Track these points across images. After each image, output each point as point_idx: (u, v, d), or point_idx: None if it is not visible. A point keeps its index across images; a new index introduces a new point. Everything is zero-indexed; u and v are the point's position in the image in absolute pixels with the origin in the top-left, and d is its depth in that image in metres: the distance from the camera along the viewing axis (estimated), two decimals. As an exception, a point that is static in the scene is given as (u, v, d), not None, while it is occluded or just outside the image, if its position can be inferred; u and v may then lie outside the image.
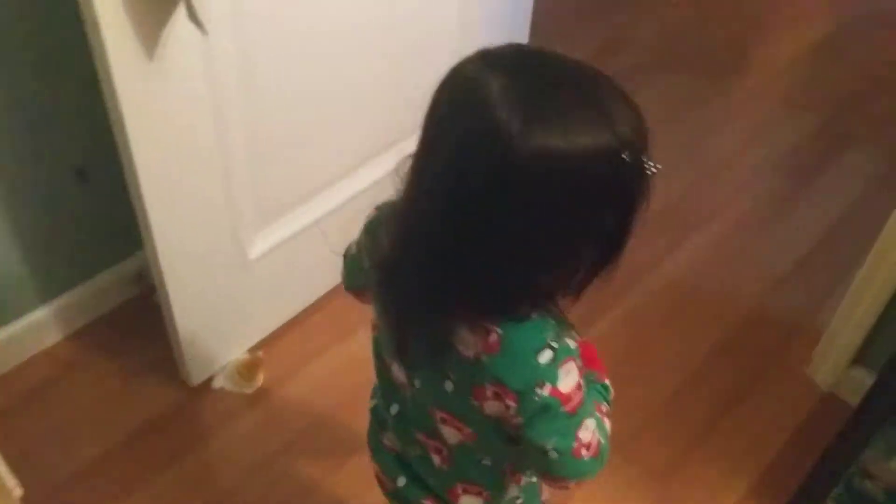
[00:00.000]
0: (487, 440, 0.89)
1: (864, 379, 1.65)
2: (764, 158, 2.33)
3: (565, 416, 0.81)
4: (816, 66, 2.69)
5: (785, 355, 1.83)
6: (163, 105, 1.25)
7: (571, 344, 0.81)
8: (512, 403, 0.80)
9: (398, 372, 0.93)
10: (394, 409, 0.99)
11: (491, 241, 0.71)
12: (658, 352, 1.83)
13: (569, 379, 0.80)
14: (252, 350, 1.71)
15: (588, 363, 0.89)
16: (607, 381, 0.95)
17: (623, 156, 0.69)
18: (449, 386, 0.84)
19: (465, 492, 0.98)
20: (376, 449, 1.07)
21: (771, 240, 2.08)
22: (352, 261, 0.99)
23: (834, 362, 1.70)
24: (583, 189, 0.70)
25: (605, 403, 0.92)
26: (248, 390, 1.67)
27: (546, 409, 0.80)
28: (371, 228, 0.92)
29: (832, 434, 1.38)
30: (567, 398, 0.80)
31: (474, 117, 0.69)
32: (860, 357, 1.66)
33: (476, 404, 0.83)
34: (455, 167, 0.71)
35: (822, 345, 1.73)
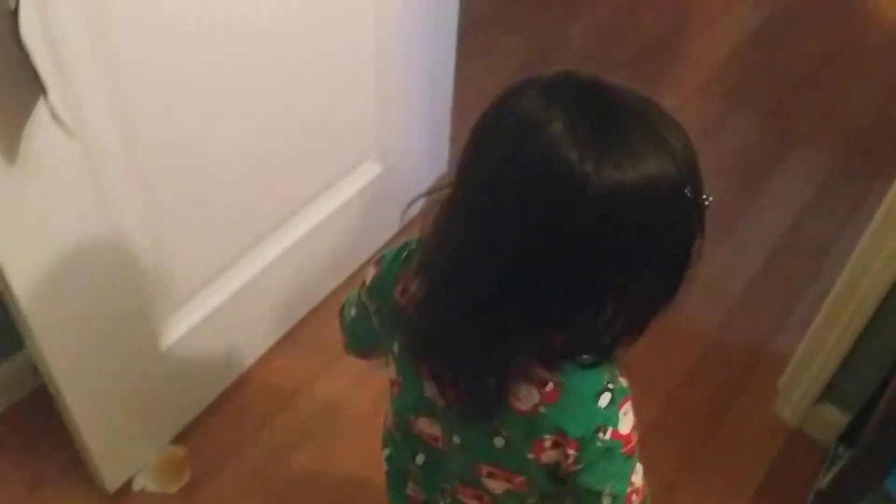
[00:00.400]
0: (539, 485, 0.86)
1: (833, 417, 1.58)
2: (708, 166, 2.22)
3: (623, 459, 0.79)
4: (754, 58, 2.59)
5: (748, 390, 1.74)
6: (37, 206, 1.07)
7: (625, 383, 0.79)
8: (573, 452, 0.77)
9: (428, 427, 0.88)
10: (419, 459, 0.94)
11: (563, 287, 0.67)
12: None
13: (627, 420, 0.78)
14: (174, 442, 1.54)
15: None
16: None
17: (685, 191, 0.67)
18: (499, 442, 0.81)
19: None
20: (398, 496, 1.01)
21: (722, 259, 1.98)
22: (354, 323, 0.94)
23: (800, 398, 1.61)
24: (653, 223, 0.67)
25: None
26: (174, 489, 1.49)
27: (607, 453, 0.78)
28: (377, 288, 0.86)
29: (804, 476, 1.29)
30: (628, 440, 0.79)
31: (542, 159, 0.64)
32: (827, 394, 1.57)
33: (533, 457, 0.80)
34: (522, 213, 0.66)
35: (787, 378, 1.64)
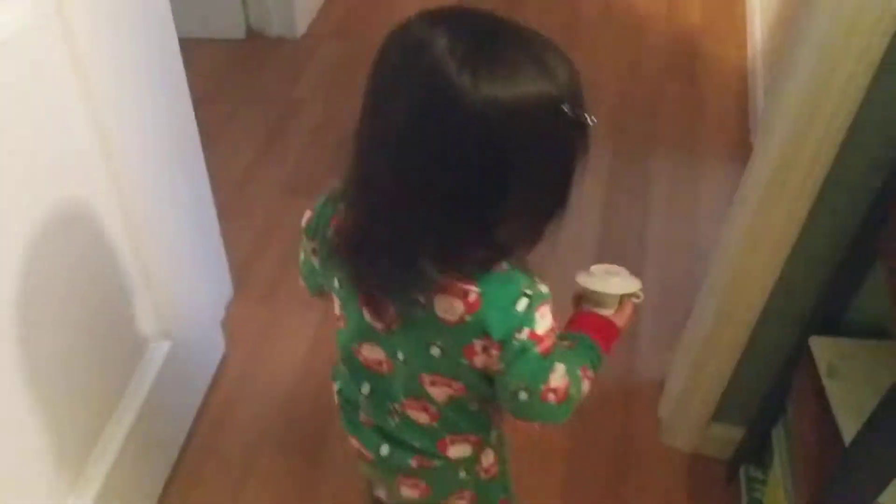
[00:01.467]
0: (476, 388, 0.94)
1: (728, 434, 1.53)
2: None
3: (538, 358, 0.86)
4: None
5: (632, 430, 1.66)
6: None
7: (544, 289, 0.85)
8: (496, 352, 0.85)
9: (371, 352, 0.97)
10: (365, 388, 1.02)
11: (452, 196, 0.75)
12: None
13: (544, 322, 0.85)
14: None
15: (597, 331, 0.98)
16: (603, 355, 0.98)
17: (563, 106, 0.73)
18: (436, 352, 0.89)
19: (453, 442, 1.02)
20: (353, 427, 1.08)
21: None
22: (304, 266, 1.01)
23: (691, 424, 1.55)
24: (529, 138, 0.74)
25: (591, 369, 0.95)
26: None
27: (523, 352, 0.85)
28: (313, 228, 0.95)
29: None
30: (541, 339, 0.85)
31: (425, 75, 0.71)
32: (717, 413, 1.52)
33: (466, 362, 0.88)
34: (410, 125, 0.73)
35: (672, 406, 1.58)
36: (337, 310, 0.97)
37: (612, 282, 1.00)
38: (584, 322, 0.99)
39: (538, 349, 0.85)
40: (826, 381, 1.20)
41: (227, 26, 2.55)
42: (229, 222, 1.73)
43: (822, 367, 1.22)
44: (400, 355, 0.93)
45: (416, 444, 1.02)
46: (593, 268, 1.02)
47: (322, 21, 2.69)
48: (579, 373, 0.92)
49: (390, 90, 0.75)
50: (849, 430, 1.11)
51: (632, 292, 1.01)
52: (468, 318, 0.83)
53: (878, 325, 1.24)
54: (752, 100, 2.45)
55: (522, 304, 0.83)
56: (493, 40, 0.73)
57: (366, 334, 0.94)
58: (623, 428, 1.66)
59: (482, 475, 1.09)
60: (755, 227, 1.20)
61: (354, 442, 1.09)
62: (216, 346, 1.71)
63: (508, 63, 0.72)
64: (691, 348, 1.49)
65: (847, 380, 1.20)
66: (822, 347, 1.24)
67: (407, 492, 1.08)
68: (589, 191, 2.14)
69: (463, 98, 0.70)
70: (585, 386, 0.93)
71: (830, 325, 1.25)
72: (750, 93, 2.51)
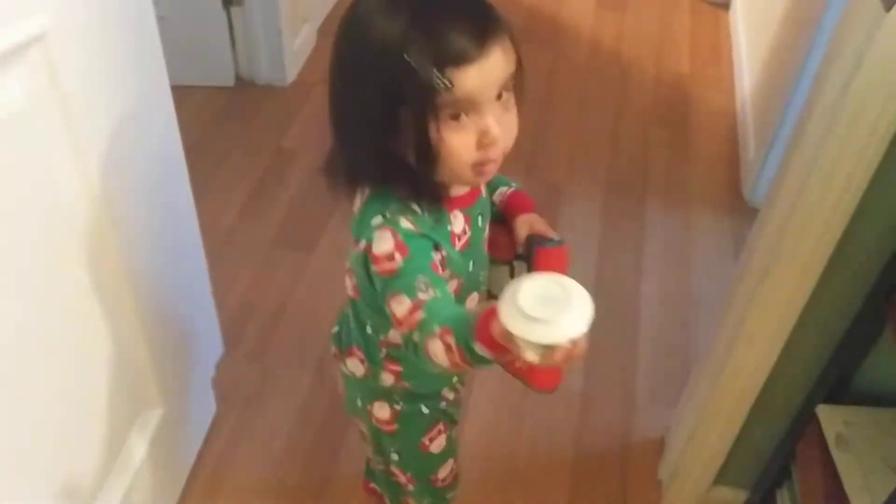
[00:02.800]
0: (366, 296, 1.00)
1: (731, 497, 1.51)
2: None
3: (379, 277, 0.90)
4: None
5: (632, 494, 1.63)
6: None
7: (405, 224, 0.90)
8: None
9: None
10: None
11: (340, 120, 0.94)
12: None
13: (381, 243, 0.90)
14: None
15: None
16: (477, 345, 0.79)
17: (406, 55, 0.81)
18: (352, 247, 0.97)
19: (352, 354, 1.11)
20: None
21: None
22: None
23: (693, 487, 1.52)
24: (378, 79, 0.85)
25: (452, 336, 0.81)
26: None
27: (363, 261, 0.92)
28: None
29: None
30: (376, 259, 0.90)
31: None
32: (720, 476, 1.49)
33: (353, 254, 0.96)
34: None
35: (672, 468, 1.56)
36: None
37: (538, 326, 0.69)
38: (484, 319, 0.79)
39: (375, 268, 0.90)
40: (834, 452, 1.18)
41: (216, 74, 2.53)
42: (217, 275, 1.69)
43: (830, 437, 1.20)
44: None
45: (342, 337, 1.14)
46: (535, 278, 0.73)
47: (311, 69, 2.67)
48: (436, 328, 0.83)
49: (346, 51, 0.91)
50: (861, 504, 1.09)
51: (553, 343, 0.70)
52: (354, 216, 0.96)
53: (887, 394, 1.22)
54: (743, 147, 2.46)
55: (377, 220, 0.91)
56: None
57: None
58: (622, 490, 1.63)
59: (374, 422, 1.15)
60: (762, 293, 1.19)
61: None
62: (208, 406, 1.67)
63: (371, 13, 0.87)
64: (693, 409, 1.47)
65: (856, 451, 1.18)
66: (829, 415, 1.22)
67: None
68: (581, 243, 2.13)
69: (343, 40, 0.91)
70: (437, 347, 0.82)
71: (838, 392, 1.23)
72: (740, 140, 2.51)
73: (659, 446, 1.67)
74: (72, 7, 0.97)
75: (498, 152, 0.89)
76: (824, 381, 1.23)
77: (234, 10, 2.41)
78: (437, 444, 1.18)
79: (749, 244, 1.32)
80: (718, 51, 2.97)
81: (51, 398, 1.09)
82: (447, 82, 0.81)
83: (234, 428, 1.68)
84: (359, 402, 1.15)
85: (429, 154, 0.86)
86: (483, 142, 0.87)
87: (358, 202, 0.96)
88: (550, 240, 1.03)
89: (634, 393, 1.80)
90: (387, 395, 1.12)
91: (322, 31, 2.77)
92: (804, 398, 1.26)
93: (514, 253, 1.07)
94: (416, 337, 0.86)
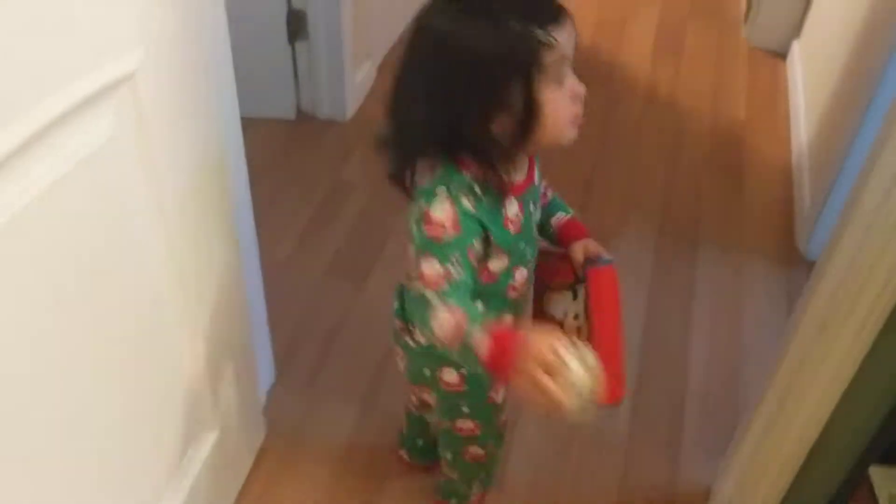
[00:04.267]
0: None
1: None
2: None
3: (423, 235, 1.00)
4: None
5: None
6: None
7: (465, 202, 1.01)
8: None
9: None
10: None
11: (427, 100, 1.01)
12: None
13: (439, 210, 1.00)
14: None
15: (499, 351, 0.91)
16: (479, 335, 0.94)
17: (511, 22, 0.94)
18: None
19: (408, 330, 1.21)
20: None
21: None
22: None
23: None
24: (484, 55, 0.95)
25: (466, 322, 0.94)
26: None
27: (419, 220, 1.01)
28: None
29: None
30: (428, 220, 1.01)
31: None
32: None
33: (411, 212, 1.05)
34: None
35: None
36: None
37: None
38: (508, 338, 0.93)
39: (424, 226, 1.00)
40: (887, 514, 1.17)
41: (278, 107, 2.60)
42: (272, 306, 1.73)
43: (883, 498, 1.19)
44: None
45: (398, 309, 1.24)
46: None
47: (370, 105, 2.73)
48: (454, 304, 0.96)
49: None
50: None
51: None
52: (423, 187, 1.05)
53: (942, 458, 1.20)
54: (798, 198, 2.44)
55: (440, 189, 1.01)
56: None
57: None
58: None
59: (443, 387, 1.24)
60: (817, 348, 1.18)
61: None
62: (258, 430, 1.70)
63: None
64: (740, 463, 1.45)
65: (910, 514, 1.16)
66: (882, 478, 1.21)
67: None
68: (631, 288, 2.13)
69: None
70: (447, 321, 0.95)
71: (892, 454, 1.21)
72: (795, 191, 2.50)
73: (705, 498, 1.65)
74: (162, 46, 1.02)
75: (581, 108, 1.02)
76: (878, 442, 1.22)
77: (299, 44, 2.50)
78: (501, 395, 1.31)
79: (804, 297, 1.31)
80: (775, 100, 2.97)
81: (119, 420, 1.13)
82: (553, 38, 0.95)
83: (283, 453, 1.72)
84: (426, 372, 1.24)
85: (534, 117, 0.97)
86: (574, 97, 1.00)
87: (423, 178, 1.05)
88: (601, 258, 1.16)
89: (682, 440, 1.79)
90: (453, 361, 1.19)
91: (382, 67, 2.85)
92: (856, 458, 1.25)
93: (574, 276, 1.19)
94: (431, 298, 0.97)
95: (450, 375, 1.22)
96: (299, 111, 2.65)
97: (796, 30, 3.09)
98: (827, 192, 2.11)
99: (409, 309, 1.10)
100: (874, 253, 1.06)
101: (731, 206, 2.48)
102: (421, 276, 0.98)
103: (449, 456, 1.43)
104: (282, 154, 2.54)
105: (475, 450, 1.39)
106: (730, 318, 2.11)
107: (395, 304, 1.25)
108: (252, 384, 1.63)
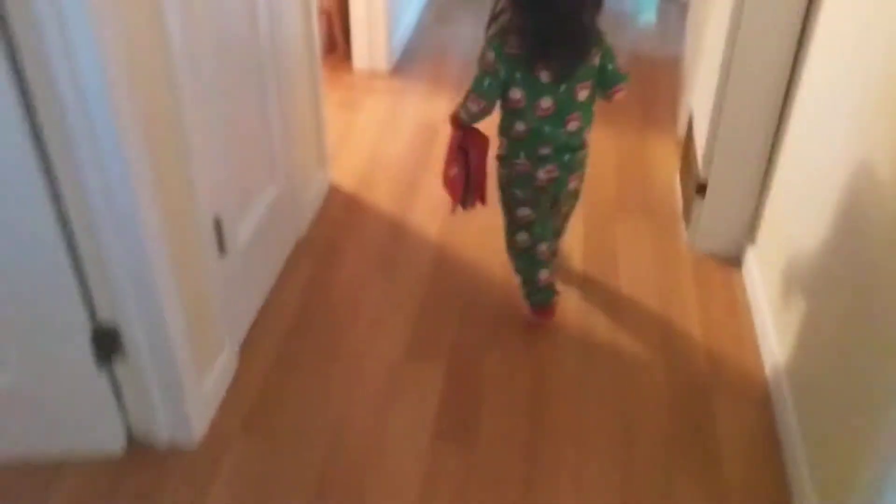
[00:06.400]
0: (595, 83, 2.05)
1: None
2: None
3: (613, 59, 2.05)
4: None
5: None
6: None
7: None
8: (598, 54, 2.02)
9: (544, 102, 2.01)
10: (546, 128, 2.05)
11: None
12: None
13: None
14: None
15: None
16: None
17: None
18: (581, 71, 2.00)
19: (588, 131, 2.14)
20: (542, 163, 2.12)
21: None
22: (490, 88, 2.02)
23: None
24: None
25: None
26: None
27: (610, 52, 2.02)
28: (497, 57, 1.99)
29: None
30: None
31: None
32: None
33: (592, 67, 2.01)
34: None
35: None
36: (517, 95, 2.01)
37: None
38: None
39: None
40: None
41: (99, 439, 1.92)
42: None
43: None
44: (562, 88, 2.00)
45: (577, 143, 2.12)
46: None
47: (229, 412, 2.06)
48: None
49: None
50: None
51: None
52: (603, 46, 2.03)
53: None
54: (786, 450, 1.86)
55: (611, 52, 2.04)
56: None
57: (542, 92, 2.00)
58: None
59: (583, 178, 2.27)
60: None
61: (543, 174, 2.13)
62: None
63: None
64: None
65: None
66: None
67: (572, 185, 2.22)
68: None
69: None
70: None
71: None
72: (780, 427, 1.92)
73: None
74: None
75: None
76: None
77: (118, 362, 1.83)
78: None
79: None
80: (742, 350, 2.41)
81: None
82: None
83: None
84: (586, 168, 2.22)
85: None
86: None
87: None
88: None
89: None
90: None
91: (245, 348, 2.22)
92: None
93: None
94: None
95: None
96: (130, 439, 1.96)
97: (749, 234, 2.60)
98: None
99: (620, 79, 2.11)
100: None
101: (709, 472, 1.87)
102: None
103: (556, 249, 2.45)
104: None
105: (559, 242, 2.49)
106: None
107: (574, 133, 2.10)
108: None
